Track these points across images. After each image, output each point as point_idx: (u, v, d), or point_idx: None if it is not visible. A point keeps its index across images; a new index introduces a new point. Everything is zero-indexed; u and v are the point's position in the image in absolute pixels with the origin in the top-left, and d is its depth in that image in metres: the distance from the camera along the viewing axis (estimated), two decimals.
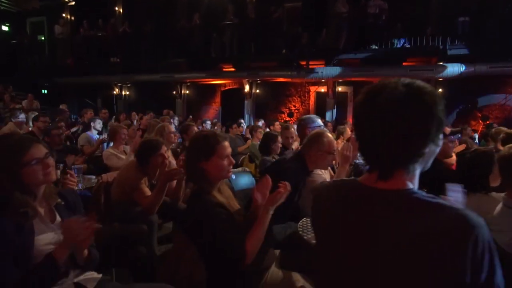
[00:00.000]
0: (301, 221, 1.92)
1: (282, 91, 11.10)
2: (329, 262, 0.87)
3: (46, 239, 1.34)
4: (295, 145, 3.61)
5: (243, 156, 4.63)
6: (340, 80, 9.89)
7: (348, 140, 2.61)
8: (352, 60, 8.93)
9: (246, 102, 10.77)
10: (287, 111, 11.10)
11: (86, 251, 1.39)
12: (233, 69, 10.33)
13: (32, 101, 9.60)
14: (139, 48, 10.85)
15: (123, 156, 3.66)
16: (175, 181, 2.50)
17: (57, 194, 1.49)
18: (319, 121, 2.42)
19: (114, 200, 2.52)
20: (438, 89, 9.04)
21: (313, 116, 2.45)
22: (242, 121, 7.88)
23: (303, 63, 9.32)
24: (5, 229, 1.22)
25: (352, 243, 0.80)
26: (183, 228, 1.52)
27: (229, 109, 11.53)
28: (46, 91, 12.54)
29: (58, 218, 1.44)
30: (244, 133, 6.93)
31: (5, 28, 13.95)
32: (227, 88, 11.94)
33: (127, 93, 12.55)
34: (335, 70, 8.83)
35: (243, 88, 10.79)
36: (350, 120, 9.35)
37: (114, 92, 12.28)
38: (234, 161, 1.59)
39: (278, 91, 11.13)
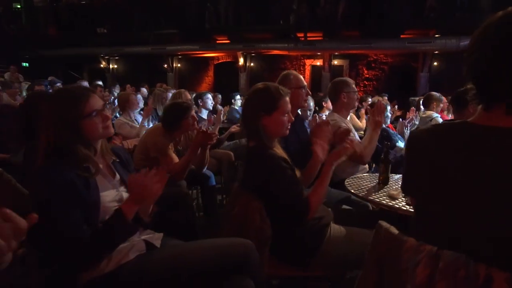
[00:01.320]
0: (346, 180, 1.93)
1: (277, 65, 10.92)
2: (449, 210, 0.79)
3: (110, 195, 1.27)
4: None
5: None
6: (337, 53, 9.80)
7: (372, 106, 2.59)
8: (350, 32, 8.81)
9: (240, 75, 10.54)
10: None
11: (152, 206, 1.33)
12: (227, 41, 10.01)
13: (14, 73, 9.05)
14: (128, 18, 10.30)
15: (136, 125, 3.53)
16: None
17: (111, 150, 1.41)
18: (354, 86, 2.36)
19: (136, 167, 2.45)
20: (434, 62, 9.13)
21: (348, 79, 2.38)
22: (238, 96, 7.65)
23: (301, 35, 9.13)
24: (75, 182, 1.14)
25: (479, 188, 0.75)
26: (245, 185, 1.47)
27: (222, 83, 11.28)
28: (27, 64, 11.83)
29: (117, 175, 1.36)
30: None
31: None
32: (220, 61, 11.63)
33: (115, 66, 12.03)
34: None
35: (237, 62, 10.53)
36: None
37: (101, 65, 11.74)
38: (293, 119, 1.53)
39: (273, 64, 10.93)
